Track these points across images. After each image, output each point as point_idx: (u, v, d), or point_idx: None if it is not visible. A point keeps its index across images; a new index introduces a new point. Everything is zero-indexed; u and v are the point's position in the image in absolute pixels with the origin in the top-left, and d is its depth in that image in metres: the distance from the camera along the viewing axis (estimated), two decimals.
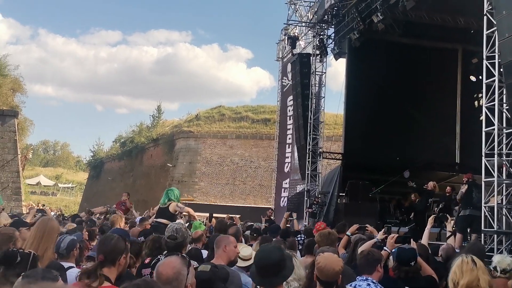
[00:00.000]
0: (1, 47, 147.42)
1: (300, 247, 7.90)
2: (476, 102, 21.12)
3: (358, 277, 4.69)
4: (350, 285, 4.57)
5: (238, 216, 15.85)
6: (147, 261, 5.33)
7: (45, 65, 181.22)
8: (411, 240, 5.73)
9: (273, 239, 7.76)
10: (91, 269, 3.67)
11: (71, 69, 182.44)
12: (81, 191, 72.61)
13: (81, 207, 58.36)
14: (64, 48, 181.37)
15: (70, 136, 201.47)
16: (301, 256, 7.14)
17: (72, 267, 4.96)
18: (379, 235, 6.46)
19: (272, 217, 19.16)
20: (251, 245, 6.94)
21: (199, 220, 10.93)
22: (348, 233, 7.98)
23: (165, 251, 5.19)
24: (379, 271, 4.73)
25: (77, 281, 3.71)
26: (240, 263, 5.40)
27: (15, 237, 4.97)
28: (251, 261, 5.17)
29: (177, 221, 8.98)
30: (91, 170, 68.45)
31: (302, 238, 8.35)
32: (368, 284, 4.54)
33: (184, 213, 9.87)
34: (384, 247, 5.70)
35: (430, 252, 6.76)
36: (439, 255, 7.04)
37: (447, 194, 14.97)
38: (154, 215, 10.34)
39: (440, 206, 14.42)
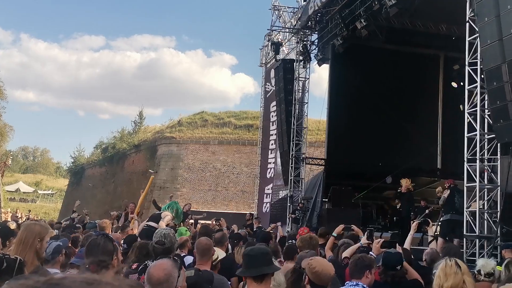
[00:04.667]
0: None
1: None
2: (457, 108, 21.31)
3: (347, 282, 4.67)
4: None
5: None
6: (134, 266, 5.26)
7: (26, 70, 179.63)
8: (397, 244, 5.75)
9: (258, 243, 7.73)
10: None
11: (53, 74, 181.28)
12: (61, 198, 71.84)
13: (61, 214, 57.79)
14: (46, 53, 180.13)
15: (51, 142, 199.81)
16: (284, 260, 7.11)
17: (57, 273, 4.89)
18: (363, 240, 6.48)
19: (254, 223, 19.02)
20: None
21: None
22: (334, 233, 7.99)
23: (153, 257, 5.14)
24: (368, 277, 4.72)
25: None
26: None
27: None
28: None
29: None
30: (71, 176, 67.76)
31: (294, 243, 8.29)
32: None
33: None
34: (370, 252, 5.71)
35: (412, 256, 6.79)
36: (423, 260, 7.07)
37: (422, 206, 15.27)
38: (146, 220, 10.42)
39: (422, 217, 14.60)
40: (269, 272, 3.67)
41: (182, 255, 7.01)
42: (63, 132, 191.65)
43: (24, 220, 22.26)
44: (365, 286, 4.56)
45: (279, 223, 15.28)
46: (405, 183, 15.78)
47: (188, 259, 6.69)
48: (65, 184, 72.45)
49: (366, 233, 6.67)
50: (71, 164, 67.93)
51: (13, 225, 9.63)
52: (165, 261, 3.30)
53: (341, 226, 8.08)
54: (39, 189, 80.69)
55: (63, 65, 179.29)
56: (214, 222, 12.72)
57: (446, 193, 12.39)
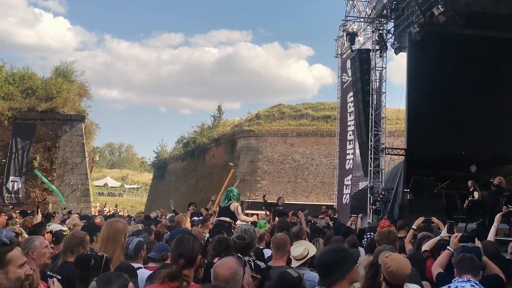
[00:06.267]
0: (69, 54, 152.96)
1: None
2: None
3: (457, 278, 4.64)
4: (449, 287, 4.56)
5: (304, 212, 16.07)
6: (215, 260, 5.42)
7: (110, 70, 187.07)
8: (475, 239, 5.62)
9: (334, 237, 7.75)
10: (174, 271, 3.79)
11: (135, 73, 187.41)
12: (146, 192, 74.33)
13: (146, 207, 59.82)
14: (128, 52, 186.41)
15: (135, 138, 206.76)
16: (365, 254, 7.12)
17: (140, 267, 5.16)
18: (443, 233, 6.35)
19: (329, 214, 18.92)
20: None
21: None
22: (413, 226, 7.88)
23: (233, 251, 5.26)
24: (480, 277, 4.69)
25: (158, 283, 3.84)
26: (294, 263, 5.40)
27: (85, 241, 5.17)
28: (303, 260, 5.21)
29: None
30: (155, 170, 69.94)
31: (372, 236, 8.23)
32: (472, 286, 4.52)
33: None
34: (448, 247, 5.61)
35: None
36: (508, 252, 6.86)
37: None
38: (216, 214, 10.60)
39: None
40: (331, 283, 3.57)
41: (260, 247, 7.16)
42: (146, 128, 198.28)
43: (111, 214, 23.28)
44: (477, 282, 4.54)
45: (360, 215, 15.13)
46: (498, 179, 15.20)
47: (267, 252, 6.82)
48: (150, 178, 74.91)
49: (446, 226, 6.53)
50: (155, 159, 70.11)
51: (99, 219, 10.18)
52: (229, 259, 3.40)
53: (421, 219, 7.94)
54: (125, 183, 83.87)
55: (144, 63, 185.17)
56: (291, 215, 12.78)
57: None
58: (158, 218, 14.56)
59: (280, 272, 4.33)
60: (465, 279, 4.58)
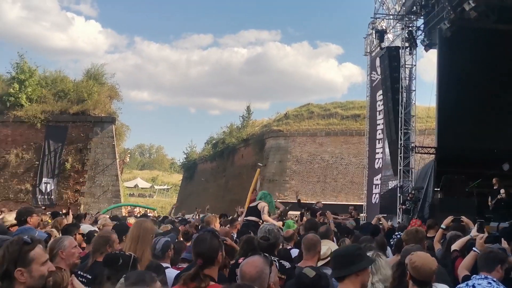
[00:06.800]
0: (100, 56, 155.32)
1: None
2: None
3: (474, 276, 4.58)
4: (467, 285, 4.49)
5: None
6: (240, 260, 5.44)
7: (140, 71, 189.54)
8: (502, 240, 5.51)
9: (363, 237, 7.69)
10: (193, 272, 3.80)
11: (165, 74, 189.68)
12: (176, 192, 74.84)
13: (176, 208, 60.24)
14: (158, 54, 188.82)
15: (165, 139, 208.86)
16: (393, 254, 7.04)
17: (168, 267, 5.20)
18: (473, 232, 6.24)
19: (353, 214, 18.77)
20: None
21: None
22: (442, 225, 7.77)
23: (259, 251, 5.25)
24: (499, 271, 4.60)
25: (179, 284, 3.85)
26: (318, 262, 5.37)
27: (112, 240, 5.23)
28: (326, 260, 5.18)
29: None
30: (185, 171, 70.40)
31: (400, 236, 8.14)
32: (489, 283, 4.43)
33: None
34: (474, 248, 5.51)
35: None
36: None
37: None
38: (244, 214, 10.65)
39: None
40: (345, 273, 3.70)
41: (288, 248, 7.15)
42: (176, 129, 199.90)
43: (142, 215, 23.49)
44: (494, 279, 4.45)
45: (380, 215, 14.97)
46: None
47: (294, 252, 6.81)
48: (179, 179, 75.43)
49: (476, 225, 6.41)
50: (184, 160, 70.63)
51: (132, 221, 10.28)
52: (256, 258, 3.40)
53: (450, 218, 7.82)
54: (155, 184, 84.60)
55: (174, 64, 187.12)
56: (319, 215, 12.71)
57: None
58: (187, 219, 14.68)
59: (297, 274, 4.31)
60: (482, 276, 4.49)
